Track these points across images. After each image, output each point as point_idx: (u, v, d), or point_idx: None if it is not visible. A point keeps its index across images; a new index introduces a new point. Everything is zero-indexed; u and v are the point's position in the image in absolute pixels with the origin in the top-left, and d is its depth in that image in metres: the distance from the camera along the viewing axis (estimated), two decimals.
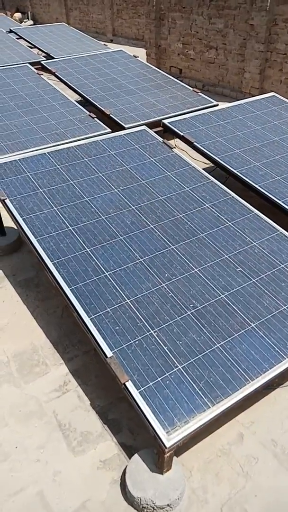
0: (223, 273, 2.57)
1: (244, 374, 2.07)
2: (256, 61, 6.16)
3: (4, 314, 3.03)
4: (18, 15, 15.21)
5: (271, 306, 2.39)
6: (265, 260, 2.66)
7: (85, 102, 5.88)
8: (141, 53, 10.39)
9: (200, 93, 5.86)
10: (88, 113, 5.24)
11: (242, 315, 2.34)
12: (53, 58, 8.32)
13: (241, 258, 2.67)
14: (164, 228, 2.87)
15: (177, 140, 4.29)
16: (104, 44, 9.56)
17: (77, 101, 6.20)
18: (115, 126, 5.20)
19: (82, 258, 2.61)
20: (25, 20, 15.08)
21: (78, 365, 2.65)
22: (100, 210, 2.98)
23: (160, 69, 8.08)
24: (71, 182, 3.21)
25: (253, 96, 6.49)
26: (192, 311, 2.34)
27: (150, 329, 2.24)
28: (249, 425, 2.29)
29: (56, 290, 2.56)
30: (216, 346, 2.18)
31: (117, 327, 2.24)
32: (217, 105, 5.68)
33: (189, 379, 2.04)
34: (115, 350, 2.14)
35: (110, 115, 5.27)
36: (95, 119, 5.12)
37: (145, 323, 2.27)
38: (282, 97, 4.45)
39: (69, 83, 6.00)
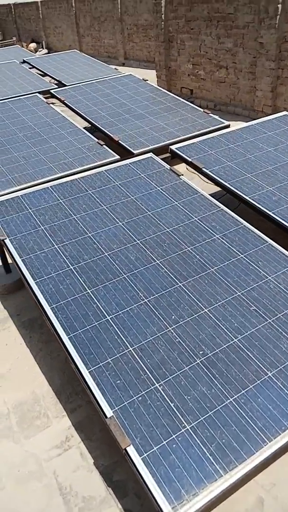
0: (236, 313, 2.35)
1: (260, 433, 1.84)
2: (268, 79, 5.99)
3: (6, 359, 2.88)
4: (33, 45, 15.59)
5: None
6: (282, 297, 2.43)
7: (94, 129, 5.82)
8: (152, 75, 10.39)
9: (211, 114, 5.71)
10: (96, 140, 5.15)
11: (257, 362, 2.10)
12: (65, 85, 8.38)
13: (255, 295, 2.45)
14: (171, 263, 2.68)
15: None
16: (115, 68, 9.60)
17: (86, 128, 6.15)
18: (124, 152, 5.10)
19: (83, 301, 2.44)
20: (40, 49, 15.44)
21: (81, 416, 2.45)
22: (103, 246, 2.82)
23: (171, 90, 8.01)
24: (74, 217, 3.07)
25: (266, 114, 6.30)
26: (202, 359, 2.13)
27: (155, 382, 2.03)
28: (270, 487, 2.03)
29: (55, 337, 2.39)
30: (228, 401, 1.95)
31: (118, 381, 2.04)
32: (229, 125, 5.52)
33: (199, 442, 1.81)
34: (116, 408, 1.94)
35: (119, 141, 5.17)
36: (104, 146, 5.03)
37: (149, 375, 2.06)
38: None
39: (78, 111, 5.96)
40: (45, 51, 15.32)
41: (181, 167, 4.95)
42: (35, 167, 4.70)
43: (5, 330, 3.15)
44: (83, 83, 6.87)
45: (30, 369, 2.79)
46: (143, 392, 1.99)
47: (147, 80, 6.94)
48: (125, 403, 1.96)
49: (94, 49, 13.56)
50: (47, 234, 2.91)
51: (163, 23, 7.42)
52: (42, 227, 2.97)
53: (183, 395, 1.97)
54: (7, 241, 2.83)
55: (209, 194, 4.48)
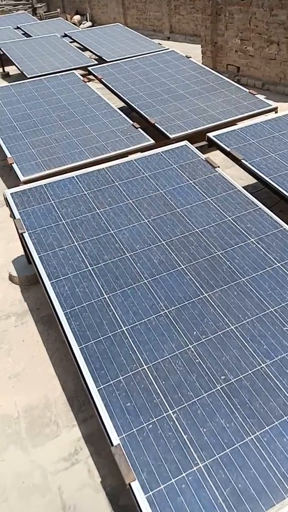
0: (266, 333, 2.09)
1: (283, 481, 1.61)
2: None
3: (21, 357, 2.77)
4: (77, 17, 15.22)
5: None
6: None
7: (130, 109, 5.53)
8: (199, 50, 9.85)
9: (257, 95, 5.27)
10: (131, 123, 4.88)
11: (286, 394, 1.86)
12: (105, 61, 8.08)
13: None
14: (197, 269, 2.44)
15: None
16: (159, 43, 9.15)
17: (122, 108, 5.87)
18: (160, 136, 4.80)
19: (98, 307, 2.26)
20: (83, 22, 15.05)
21: (92, 428, 2.31)
22: (125, 246, 2.61)
23: (216, 67, 7.53)
24: (98, 211, 2.87)
25: None
26: (223, 385, 1.90)
27: (169, 409, 1.83)
28: None
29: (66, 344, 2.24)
30: (249, 438, 1.73)
31: (129, 403, 1.86)
32: (276, 108, 5.08)
33: (211, 484, 1.61)
34: (123, 435, 1.76)
35: (155, 124, 4.87)
36: (139, 129, 4.76)
37: (163, 399, 1.87)
38: None
39: (115, 90, 5.68)
40: (89, 23, 14.92)
41: (218, 155, 4.61)
42: (66, 150, 4.51)
43: (23, 324, 3.04)
44: (123, 60, 6.54)
45: (44, 370, 2.68)
46: (155, 419, 1.81)
47: (191, 57, 6.51)
48: (134, 430, 1.78)
49: (139, 22, 13.03)
50: (68, 230, 2.73)
51: None
52: (64, 221, 2.80)
53: (198, 427, 1.77)
54: (26, 236, 2.69)
55: (250, 185, 4.16)
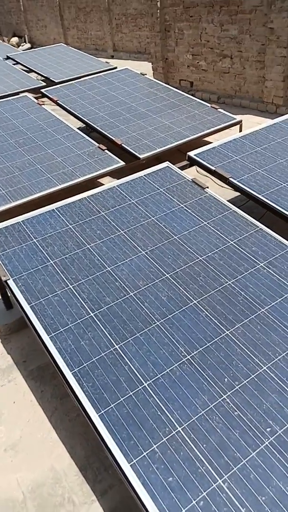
0: None
1: None
2: (279, 68, 5.50)
3: (15, 424, 2.40)
4: (15, 39, 14.86)
5: None
6: None
7: (90, 129, 5.28)
8: (145, 67, 9.83)
9: (219, 109, 5.22)
10: (97, 145, 4.64)
11: None
12: (53, 81, 7.80)
13: None
14: (212, 303, 2.21)
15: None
16: (106, 62, 9.03)
17: (81, 128, 5.62)
18: (128, 157, 4.59)
19: (111, 361, 1.97)
20: (22, 44, 14.72)
21: (115, 501, 1.99)
22: (126, 284, 2.34)
23: (168, 83, 7.48)
24: (88, 246, 2.58)
25: (276, 105, 5.83)
26: (271, 439, 1.67)
27: (217, 478, 1.57)
28: None
29: (82, 412, 1.92)
30: None
31: (170, 478, 1.58)
32: (241, 121, 5.04)
33: None
34: None
35: (122, 145, 4.66)
36: (106, 151, 4.52)
37: (208, 467, 1.61)
38: None
39: (74, 112, 5.42)
40: (28, 45, 14.60)
41: (190, 171, 4.46)
42: (31, 178, 4.18)
43: (11, 382, 2.67)
44: (76, 81, 6.31)
45: (45, 436, 2.32)
46: (204, 493, 1.54)
47: (146, 74, 6.40)
48: (183, 510, 1.50)
49: (81, 42, 12.90)
50: (58, 271, 2.42)
51: (158, 11, 6.87)
52: (52, 261, 2.48)
53: (256, 496, 1.52)
54: (11, 283, 2.35)
55: (230, 201, 4.03)
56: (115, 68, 7.85)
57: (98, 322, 2.14)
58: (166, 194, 2.95)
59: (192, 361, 1.95)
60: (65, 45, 9.97)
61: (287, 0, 4.99)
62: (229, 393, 1.83)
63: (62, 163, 4.40)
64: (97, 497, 2.02)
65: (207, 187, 2.97)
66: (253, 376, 1.88)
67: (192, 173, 4.46)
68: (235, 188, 3.01)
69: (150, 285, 2.33)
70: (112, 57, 11.77)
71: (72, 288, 2.32)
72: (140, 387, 1.86)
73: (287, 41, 5.26)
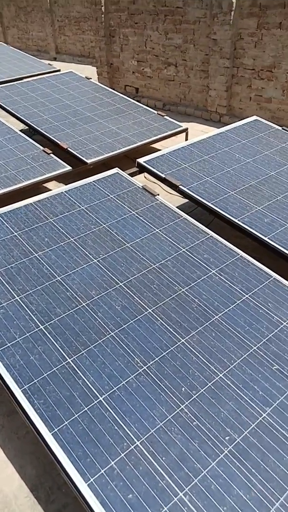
0: (257, 376, 1.92)
1: None
2: (222, 78, 5.66)
3: None
4: None
5: None
6: None
7: (32, 131, 5.12)
8: (89, 70, 9.75)
9: (166, 117, 5.27)
10: (42, 148, 4.49)
11: None
12: None
13: (274, 349, 2.04)
14: (166, 311, 2.19)
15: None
16: (49, 64, 8.82)
17: (23, 130, 5.43)
18: (75, 161, 4.49)
19: (64, 376, 1.88)
20: None
21: None
22: (78, 294, 2.25)
23: (114, 88, 7.46)
24: (35, 254, 2.46)
25: (220, 114, 6.00)
26: (230, 447, 1.67)
27: (178, 491, 1.54)
28: None
29: (33, 432, 1.81)
30: (275, 507, 1.51)
31: (130, 495, 1.52)
32: (187, 129, 5.12)
33: None
34: None
35: (68, 149, 4.55)
36: (51, 155, 4.39)
37: (168, 480, 1.57)
38: (265, 121, 3.93)
39: (16, 113, 5.22)
40: None
41: (138, 177, 4.45)
42: None
43: None
44: (18, 82, 6.10)
45: None
46: (166, 508, 1.50)
47: (91, 78, 6.33)
48: None
49: (22, 42, 12.55)
50: (4, 282, 2.28)
51: (103, 16, 6.83)
52: None
53: (218, 507, 1.51)
54: None
55: (179, 207, 4.06)
56: (59, 70, 7.70)
57: (49, 335, 2.04)
58: (117, 200, 2.91)
59: (148, 371, 1.91)
60: (5, 44, 9.64)
61: (228, 13, 5.16)
62: (186, 403, 1.81)
63: (3, 166, 4.20)
64: None
65: (158, 194, 2.97)
66: (209, 384, 1.88)
67: (139, 179, 4.45)
68: (185, 195, 3.03)
69: (103, 294, 2.26)
70: (55, 59, 11.56)
71: (19, 300, 2.19)
72: (96, 402, 1.79)
73: (230, 52, 5.43)
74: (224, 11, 5.18)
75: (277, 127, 3.83)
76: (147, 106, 6.84)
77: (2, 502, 1.99)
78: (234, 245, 2.63)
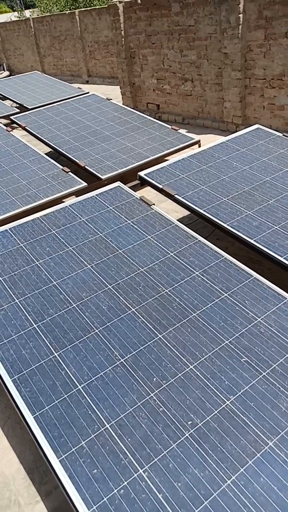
0: (226, 367, 2.06)
1: None
2: (235, 89, 5.81)
3: None
4: None
5: None
6: (275, 343, 2.15)
7: (58, 154, 5.52)
8: (117, 91, 10.20)
9: (179, 131, 5.49)
10: (61, 167, 4.85)
11: (255, 429, 1.81)
12: (27, 108, 8.07)
13: (245, 343, 2.16)
14: (148, 310, 2.38)
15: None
16: (79, 87, 9.36)
17: (50, 154, 5.85)
18: (92, 178, 4.81)
19: (49, 368, 2.11)
20: (1, 72, 15.11)
21: (58, 500, 2.11)
22: (70, 296, 2.50)
23: (137, 107, 7.80)
24: (37, 262, 2.75)
25: (236, 124, 6.13)
26: (191, 431, 1.82)
27: (139, 468, 1.71)
28: None
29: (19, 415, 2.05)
30: (226, 484, 1.65)
31: (95, 470, 1.71)
32: (199, 141, 5.30)
33: None
34: (94, 507, 1.61)
35: (85, 166, 4.88)
36: (69, 173, 4.73)
37: (131, 458, 1.75)
38: (267, 129, 4.04)
39: (40, 137, 5.65)
40: (7, 73, 15.00)
41: (151, 191, 4.68)
42: None
43: None
44: (45, 107, 6.57)
45: None
46: (125, 483, 1.67)
47: (111, 99, 6.69)
48: (105, 499, 1.63)
49: (57, 69, 13.32)
50: (6, 287, 2.57)
51: (123, 39, 7.22)
52: (1, 278, 2.64)
53: (173, 482, 1.66)
54: None
55: (186, 217, 4.24)
56: (87, 93, 8.16)
57: (40, 333, 2.29)
58: (115, 211, 3.15)
59: (125, 363, 2.10)
60: (39, 73, 10.32)
61: (237, 27, 5.33)
62: (156, 391, 1.98)
63: (26, 186, 4.59)
64: (42, 497, 2.13)
65: (154, 204, 3.17)
66: (180, 374, 2.04)
67: (152, 191, 4.67)
68: (180, 204, 3.21)
69: (93, 296, 2.49)
70: (87, 82, 12.17)
71: (18, 302, 2.47)
72: (75, 390, 2.00)
73: (241, 64, 5.59)
74: (232, 26, 5.37)
75: (278, 134, 3.93)
76: (167, 121, 7.12)
77: (3, 482, 2.23)
78: (223, 250, 2.78)
